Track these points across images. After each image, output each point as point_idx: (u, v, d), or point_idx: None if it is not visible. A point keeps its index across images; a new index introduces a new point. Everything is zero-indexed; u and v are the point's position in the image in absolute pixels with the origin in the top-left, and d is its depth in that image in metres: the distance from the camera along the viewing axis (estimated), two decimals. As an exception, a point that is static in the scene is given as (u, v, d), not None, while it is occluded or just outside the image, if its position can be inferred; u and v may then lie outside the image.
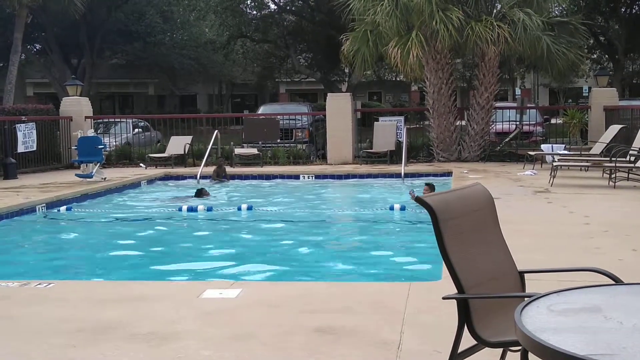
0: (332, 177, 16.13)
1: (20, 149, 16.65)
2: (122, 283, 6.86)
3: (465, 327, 3.13)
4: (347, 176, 16.13)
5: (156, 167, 17.83)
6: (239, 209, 11.81)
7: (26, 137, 16.87)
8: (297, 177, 16.16)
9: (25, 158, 17.04)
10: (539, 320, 2.37)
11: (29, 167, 17.12)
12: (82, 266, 8.43)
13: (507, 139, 18.94)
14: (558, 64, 17.33)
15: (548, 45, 16.56)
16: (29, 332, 4.90)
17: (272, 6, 34.39)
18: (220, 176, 15.78)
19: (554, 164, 13.19)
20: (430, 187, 11.85)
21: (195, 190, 13.44)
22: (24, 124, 16.90)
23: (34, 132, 17.14)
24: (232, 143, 18.95)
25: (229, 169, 17.15)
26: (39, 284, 6.25)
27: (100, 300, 5.68)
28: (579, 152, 15.62)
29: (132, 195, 14.30)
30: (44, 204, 11.92)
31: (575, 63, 18.57)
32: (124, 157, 19.56)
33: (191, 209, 11.82)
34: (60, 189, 13.41)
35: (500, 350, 3.40)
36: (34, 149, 17.21)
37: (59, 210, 11.86)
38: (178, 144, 18.65)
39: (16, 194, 12.75)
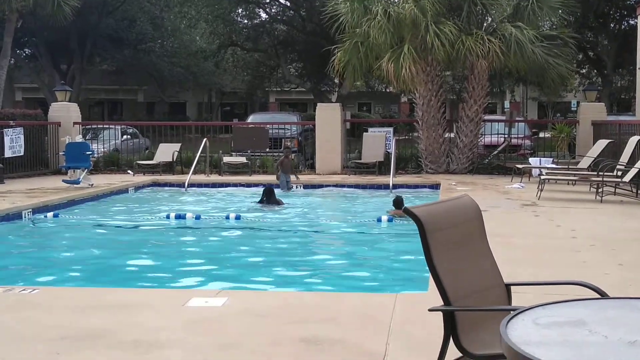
0: (321, 186, 16.11)
1: (8, 153, 16.57)
2: (107, 290, 6.82)
3: (451, 339, 3.13)
4: (335, 186, 16.12)
5: (144, 174, 17.77)
6: (227, 217, 11.78)
7: (13, 142, 16.80)
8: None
9: (12, 163, 16.96)
10: (525, 334, 2.37)
11: (16, 172, 17.04)
12: (67, 272, 8.38)
13: (495, 152, 19.01)
14: (549, 77, 17.41)
15: (539, 59, 16.64)
16: (12, 338, 4.86)
17: (263, 15, 34.44)
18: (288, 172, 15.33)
19: (542, 177, 13.25)
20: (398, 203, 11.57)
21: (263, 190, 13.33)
22: (11, 129, 16.83)
23: (22, 137, 17.07)
24: (220, 151, 18.93)
25: (217, 178, 17.13)
26: (24, 290, 6.21)
27: (85, 307, 5.64)
28: (566, 166, 15.70)
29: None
30: (30, 210, 11.85)
31: (565, 76, 18.68)
32: (111, 163, 19.49)
33: (179, 216, 11.79)
34: (47, 195, 13.34)
35: (486, 362, 3.40)
36: (22, 154, 17.13)
37: (45, 216, 11.79)
38: (167, 152, 18.61)
39: (2, 199, 12.67)
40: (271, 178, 16.60)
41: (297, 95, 47.68)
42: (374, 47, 17.18)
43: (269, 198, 13.05)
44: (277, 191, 13.84)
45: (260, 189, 14.01)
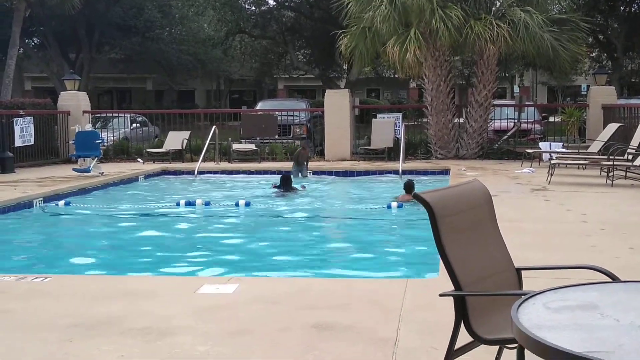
0: (330, 173, 16.10)
1: (18, 143, 16.62)
2: (118, 278, 6.85)
3: (462, 324, 3.13)
4: (345, 172, 16.11)
5: (154, 162, 17.81)
6: (237, 204, 11.80)
7: (24, 131, 16.85)
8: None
9: (22, 152, 17.02)
10: (536, 318, 2.36)
11: (27, 161, 17.10)
12: (79, 261, 8.42)
13: (505, 137, 18.94)
14: (560, 61, 17.31)
15: (550, 43, 16.54)
16: (25, 326, 4.89)
17: (271, 2, 34.34)
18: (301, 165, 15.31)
19: (552, 161, 13.21)
20: (409, 188, 11.64)
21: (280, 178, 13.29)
22: (21, 118, 16.88)
23: (32, 126, 17.11)
24: (229, 139, 18.94)
25: (226, 165, 17.15)
26: (36, 278, 6.24)
27: (96, 295, 5.67)
28: (576, 150, 15.63)
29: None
30: (41, 198, 11.90)
31: (576, 59, 18.55)
32: (121, 151, 19.54)
33: (189, 203, 11.81)
34: (57, 184, 13.39)
35: (497, 347, 3.40)
36: (32, 143, 17.19)
37: (56, 205, 11.84)
38: (176, 139, 18.63)
39: (13, 188, 12.73)
40: (280, 165, 16.64)
41: (305, 82, 47.57)
42: (381, 32, 17.12)
43: (285, 185, 13.06)
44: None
45: (270, 176, 13.99)
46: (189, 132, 19.21)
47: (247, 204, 11.74)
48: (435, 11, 16.08)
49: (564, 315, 2.44)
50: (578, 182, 12.72)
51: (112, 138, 20.31)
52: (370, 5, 17.12)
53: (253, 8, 34.24)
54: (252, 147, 18.50)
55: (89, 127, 16.81)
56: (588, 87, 24.85)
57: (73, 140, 15.69)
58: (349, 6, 17.75)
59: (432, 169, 16.01)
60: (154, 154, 18.36)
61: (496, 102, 19.89)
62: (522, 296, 2.60)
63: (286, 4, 34.47)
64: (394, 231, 10.29)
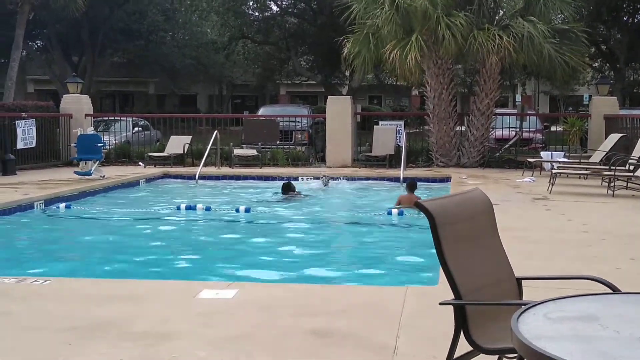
0: (331, 179, 16.07)
1: (20, 145, 16.64)
2: (118, 281, 6.84)
3: (462, 333, 3.12)
4: (346, 179, 16.10)
5: (155, 166, 17.82)
6: (237, 210, 11.79)
7: (26, 134, 16.87)
8: (295, 179, 16.11)
9: (24, 154, 17.03)
10: (536, 328, 2.36)
11: (28, 164, 17.12)
12: (79, 264, 8.42)
13: (506, 146, 18.95)
14: (560, 72, 17.32)
15: (551, 53, 16.55)
16: (24, 329, 4.89)
17: (274, 8, 34.39)
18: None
19: (553, 171, 13.21)
20: (411, 187, 11.88)
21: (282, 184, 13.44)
22: (23, 121, 16.90)
23: (34, 128, 17.14)
24: (231, 144, 18.95)
25: (227, 170, 17.15)
26: (36, 281, 6.24)
27: (96, 298, 5.67)
28: (578, 160, 15.63)
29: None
30: (42, 201, 11.90)
31: (577, 70, 18.56)
32: (123, 155, 19.56)
33: (189, 208, 11.81)
34: (58, 186, 13.40)
35: (496, 357, 3.39)
36: (34, 145, 17.21)
37: (57, 207, 11.84)
38: (177, 144, 18.65)
39: (15, 190, 12.74)
40: (282, 170, 16.67)
41: (307, 88, 47.59)
42: (384, 38, 17.13)
43: (286, 192, 13.14)
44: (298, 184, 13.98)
45: (271, 182, 14.00)
46: (190, 136, 19.24)
47: (247, 210, 11.74)
48: (441, 18, 16.08)
49: (564, 326, 2.44)
50: (579, 192, 12.71)
51: (113, 142, 20.32)
52: (374, 9, 17.11)
53: (256, 14, 34.28)
54: (254, 152, 18.51)
55: (91, 130, 16.83)
56: (590, 97, 24.85)
57: (75, 143, 15.70)
58: (353, 10, 17.75)
59: (433, 177, 16.01)
60: (155, 158, 18.38)
61: (498, 110, 19.89)
62: (523, 306, 2.60)
63: (289, 10, 34.50)
64: (394, 238, 10.28)
